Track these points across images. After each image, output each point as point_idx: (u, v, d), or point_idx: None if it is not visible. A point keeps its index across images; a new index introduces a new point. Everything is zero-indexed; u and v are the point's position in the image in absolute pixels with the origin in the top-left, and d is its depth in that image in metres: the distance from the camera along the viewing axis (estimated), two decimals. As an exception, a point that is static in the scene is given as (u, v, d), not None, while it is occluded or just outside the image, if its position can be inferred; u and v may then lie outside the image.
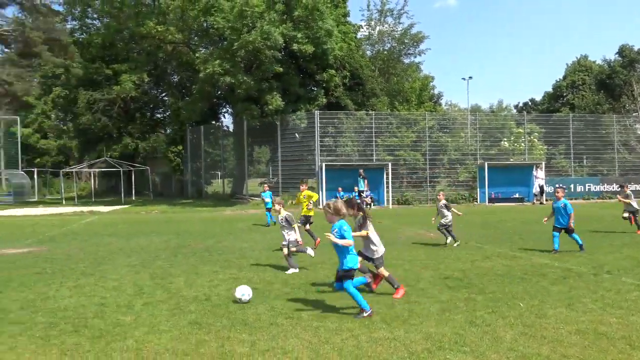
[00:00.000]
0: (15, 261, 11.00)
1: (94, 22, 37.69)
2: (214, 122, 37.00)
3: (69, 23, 37.43)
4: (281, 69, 27.65)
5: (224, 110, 37.94)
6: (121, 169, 36.25)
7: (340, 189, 26.09)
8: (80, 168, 39.32)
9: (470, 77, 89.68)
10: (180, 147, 37.94)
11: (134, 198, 35.90)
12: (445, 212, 12.28)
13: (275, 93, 27.72)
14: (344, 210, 6.43)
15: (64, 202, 35.26)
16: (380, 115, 31.07)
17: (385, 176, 28.22)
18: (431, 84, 41.64)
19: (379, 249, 7.30)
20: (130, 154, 38.88)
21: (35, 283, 8.60)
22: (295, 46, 27.65)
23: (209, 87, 29.42)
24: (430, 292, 7.52)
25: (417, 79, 40.31)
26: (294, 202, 12.47)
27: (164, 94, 41.34)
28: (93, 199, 37.45)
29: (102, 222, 20.57)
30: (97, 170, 41.45)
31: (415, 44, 41.69)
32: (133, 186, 36.70)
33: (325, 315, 6.40)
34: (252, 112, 28.10)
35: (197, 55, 30.04)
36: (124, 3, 32.71)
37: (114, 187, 41.45)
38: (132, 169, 36.58)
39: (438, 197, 12.74)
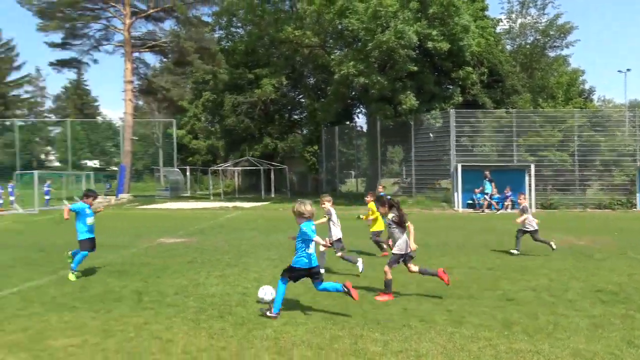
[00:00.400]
0: (171, 250, 12.15)
1: (238, 30, 40.39)
2: (348, 123, 37.64)
3: (217, 32, 40.51)
4: (415, 68, 27.26)
5: (358, 110, 38.43)
6: (261, 168, 38.42)
7: (477, 190, 25.05)
8: (226, 166, 42.32)
9: (629, 70, 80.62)
10: (316, 147, 39.15)
11: (272, 195, 37.77)
12: (526, 215, 11.24)
13: (409, 92, 27.41)
14: (306, 213, 6.38)
15: (211, 197, 38.05)
16: (522, 113, 29.21)
17: (527, 178, 26.45)
18: (581, 78, 38.14)
19: (399, 246, 7.19)
20: (270, 153, 41.02)
21: (187, 271, 9.43)
22: (430, 44, 27.09)
23: (343, 88, 29.98)
24: (580, 305, 6.90)
25: (564, 73, 37.21)
26: (362, 217, 11.45)
27: (300, 96, 43.00)
28: (237, 195, 39.98)
29: (244, 217, 21.74)
30: (240, 168, 44.27)
31: (562, 35, 38.59)
32: (272, 184, 38.66)
33: (461, 321, 6.18)
34: (385, 112, 28.09)
35: (332, 57, 30.77)
36: (265, 11, 34.61)
37: (255, 185, 44.00)
38: (271, 167, 38.59)
39: (519, 199, 11.62)
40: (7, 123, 61.88)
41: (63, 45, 38.72)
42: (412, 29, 26.00)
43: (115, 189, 37.37)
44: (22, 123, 65.44)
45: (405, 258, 7.28)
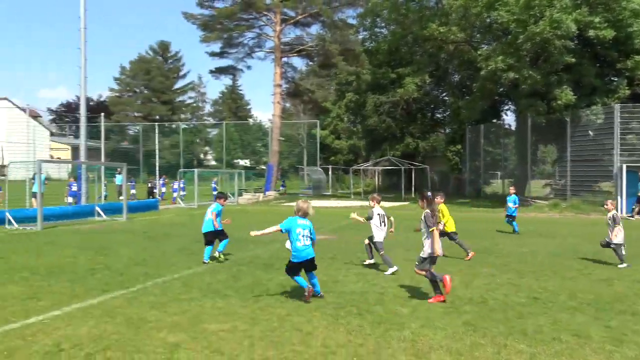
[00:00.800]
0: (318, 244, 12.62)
1: (382, 30, 40.57)
2: (494, 120, 35.82)
3: (360, 34, 41.13)
4: (573, 60, 25.02)
5: (506, 107, 36.38)
6: (402, 167, 38.19)
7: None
8: (367, 166, 42.80)
9: None
10: (459, 147, 37.92)
11: (413, 195, 37.38)
12: (615, 227, 9.72)
13: (565, 86, 25.27)
14: (303, 210, 7.34)
15: (352, 196, 38.83)
16: None
17: None
18: None
19: (424, 250, 7.24)
20: (410, 153, 40.63)
21: (328, 267, 9.71)
22: (591, 32, 24.68)
23: (490, 84, 28.58)
24: None
25: None
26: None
27: (444, 94, 41.91)
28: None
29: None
30: (381, 168, 44.48)
31: None
32: (413, 184, 38.24)
33: (622, 339, 5.54)
34: (537, 108, 26.21)
35: (478, 52, 29.47)
36: (409, 9, 34.30)
37: (395, 184, 43.87)
38: (412, 167, 38.18)
39: (605, 206, 10.03)
40: (173, 126, 69.31)
41: (221, 54, 42.28)
42: (571, 17, 23.93)
43: (263, 187, 39.77)
44: (185, 126, 72.63)
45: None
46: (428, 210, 7.20)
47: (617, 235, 9.99)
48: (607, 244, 10.18)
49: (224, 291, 7.69)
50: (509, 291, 7.61)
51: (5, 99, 59.81)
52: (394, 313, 6.52)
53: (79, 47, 23.28)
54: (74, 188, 24.89)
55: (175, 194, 32.45)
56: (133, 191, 31.84)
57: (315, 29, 47.23)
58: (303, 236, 7.20)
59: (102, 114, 34.41)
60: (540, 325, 6.00)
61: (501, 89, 31.06)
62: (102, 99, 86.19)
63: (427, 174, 40.23)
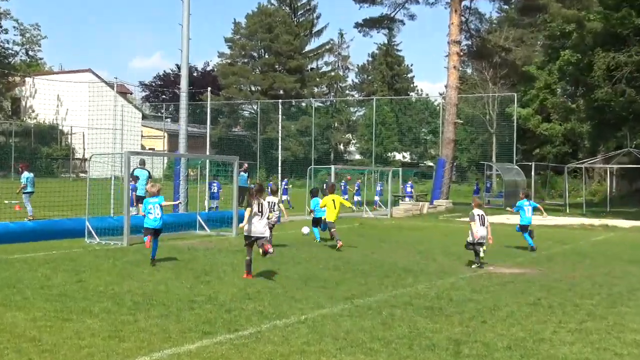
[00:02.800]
0: (505, 283, 12.37)
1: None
2: None
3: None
4: None
5: None
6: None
7: None
8: (592, 163, 40.70)
9: None
10: None
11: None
12: None
13: None
14: None
15: (567, 209, 37.32)
16: None
17: None
18: None
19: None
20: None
21: (527, 317, 9.38)
22: None
23: None
24: None
25: None
26: None
27: None
28: (608, 208, 38.21)
29: (619, 242, 20.87)
30: (615, 166, 42.05)
31: None
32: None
33: None
34: None
35: None
36: None
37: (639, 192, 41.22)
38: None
39: None
40: (303, 104, 71.39)
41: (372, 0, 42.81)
42: None
43: (431, 193, 39.50)
44: (320, 104, 74.41)
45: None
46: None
47: None
48: None
49: (368, 343, 7.73)
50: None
51: (88, 70, 66.41)
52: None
53: (180, -2, 24.50)
54: (215, 189, 27.30)
55: (377, 198, 35.60)
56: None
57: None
58: None
59: (209, 88, 36.42)
60: None
61: None
62: (208, 69, 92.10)
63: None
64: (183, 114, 25.13)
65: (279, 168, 42.98)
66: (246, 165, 31.76)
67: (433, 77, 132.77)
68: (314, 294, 10.87)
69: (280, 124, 47.34)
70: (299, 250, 17.02)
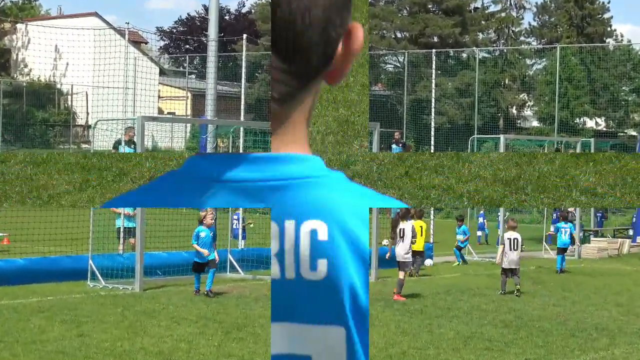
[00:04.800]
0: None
1: None
2: None
3: None
4: None
5: None
6: None
7: None
8: None
9: None
10: None
11: None
12: None
13: None
14: None
15: None
16: None
17: None
18: None
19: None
20: None
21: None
22: None
23: None
24: None
25: None
26: None
27: None
28: None
29: None
30: None
31: None
32: None
33: None
34: None
35: None
36: None
37: None
38: None
39: None
40: (464, 55, 67.63)
41: None
42: None
43: (633, 224, 33.26)
44: (487, 55, 71.40)
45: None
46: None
47: None
48: None
49: None
50: None
51: (93, 14, 66.31)
52: None
53: None
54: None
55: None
56: None
57: None
58: None
59: (244, 35, 35.24)
60: None
61: None
62: (244, 10, 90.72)
63: None
64: (211, 68, 25.07)
65: (431, 138, 39.57)
66: (398, 134, 31.99)
67: (638, 19, 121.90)
68: (477, 358, 11.15)
69: (433, 81, 44.15)
70: (456, 298, 17.24)
